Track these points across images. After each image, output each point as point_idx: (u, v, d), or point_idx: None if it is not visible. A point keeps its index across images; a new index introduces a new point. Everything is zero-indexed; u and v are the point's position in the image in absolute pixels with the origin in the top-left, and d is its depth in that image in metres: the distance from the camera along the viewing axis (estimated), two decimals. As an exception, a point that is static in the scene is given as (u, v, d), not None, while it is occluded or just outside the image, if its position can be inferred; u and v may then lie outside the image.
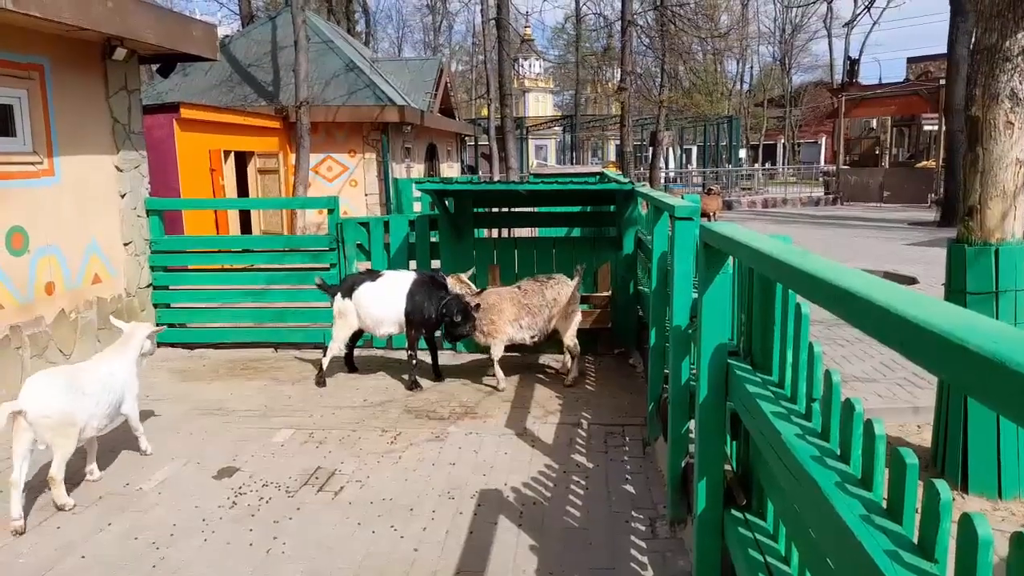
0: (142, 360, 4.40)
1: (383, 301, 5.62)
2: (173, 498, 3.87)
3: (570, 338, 5.71)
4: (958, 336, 0.80)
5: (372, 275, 5.77)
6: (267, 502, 3.80)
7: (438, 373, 5.87)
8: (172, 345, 6.96)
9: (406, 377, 5.74)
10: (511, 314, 5.61)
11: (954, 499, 3.80)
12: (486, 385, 5.71)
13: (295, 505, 3.77)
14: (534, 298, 5.63)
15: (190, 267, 7.30)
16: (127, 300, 6.63)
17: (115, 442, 4.65)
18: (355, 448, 4.51)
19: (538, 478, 4.03)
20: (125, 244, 6.63)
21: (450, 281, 5.74)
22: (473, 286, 5.84)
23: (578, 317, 5.76)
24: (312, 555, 3.29)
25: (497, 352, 5.64)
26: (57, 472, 3.70)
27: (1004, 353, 0.72)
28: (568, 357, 5.82)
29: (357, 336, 5.97)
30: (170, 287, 7.10)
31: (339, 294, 5.68)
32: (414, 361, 5.69)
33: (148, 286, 6.93)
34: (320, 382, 5.74)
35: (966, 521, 1.14)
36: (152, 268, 6.95)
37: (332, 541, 3.41)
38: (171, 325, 6.99)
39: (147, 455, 4.43)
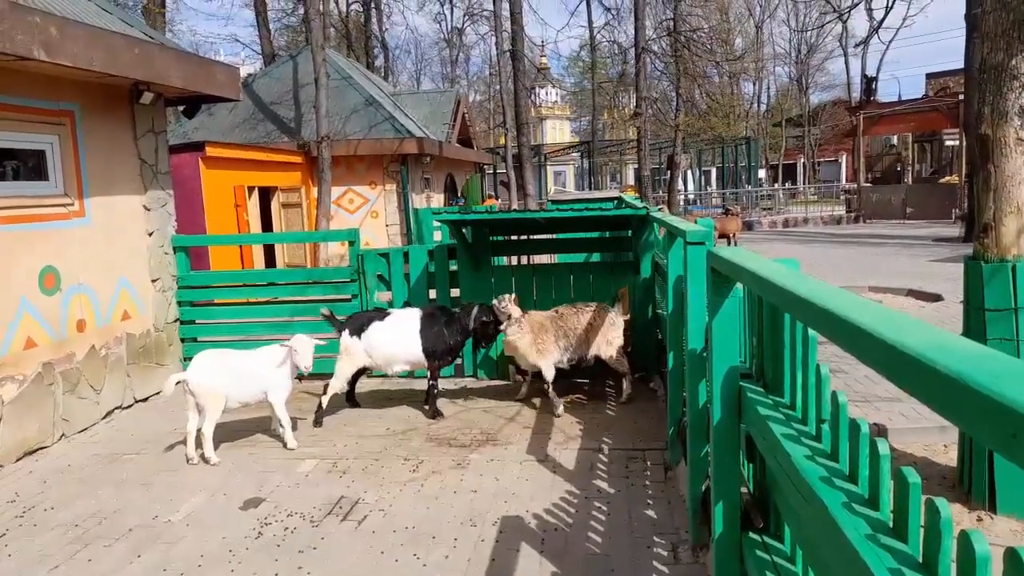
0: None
1: (395, 340, 5.61)
2: (200, 529, 3.94)
3: (616, 362, 5.79)
4: (929, 358, 0.84)
5: (380, 314, 5.77)
6: (292, 532, 3.86)
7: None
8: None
9: (426, 407, 5.80)
10: (552, 335, 5.70)
11: (981, 519, 3.75)
12: (507, 412, 5.74)
13: (319, 535, 3.82)
14: (570, 321, 5.73)
15: (216, 301, 7.46)
16: (155, 335, 6.79)
17: (146, 475, 4.76)
18: (378, 477, 4.56)
19: (559, 504, 4.04)
20: (153, 281, 6.80)
21: (510, 305, 5.65)
22: (518, 309, 5.75)
23: (619, 343, 5.80)
24: (336, 584, 3.33)
25: (550, 374, 5.66)
26: (206, 430, 4.84)
27: (968, 374, 0.76)
28: (628, 382, 5.94)
29: (360, 374, 5.96)
30: (197, 321, 7.25)
31: (347, 331, 5.62)
32: (435, 391, 5.74)
33: (175, 321, 7.09)
34: (318, 421, 5.61)
35: (964, 538, 1.16)
36: (179, 303, 7.12)
37: (356, 570, 3.45)
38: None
39: (289, 449, 5.09)
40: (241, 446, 5.23)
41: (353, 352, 5.63)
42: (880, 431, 4.82)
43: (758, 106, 45.22)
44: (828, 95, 47.61)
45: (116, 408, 6.22)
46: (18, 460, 5.15)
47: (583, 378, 6.45)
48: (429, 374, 5.78)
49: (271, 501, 4.27)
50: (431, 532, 3.78)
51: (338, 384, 5.72)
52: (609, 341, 5.74)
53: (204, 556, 3.64)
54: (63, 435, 5.59)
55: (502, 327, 5.65)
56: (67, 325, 5.75)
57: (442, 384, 6.51)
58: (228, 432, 5.54)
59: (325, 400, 5.67)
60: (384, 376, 6.51)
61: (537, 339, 5.65)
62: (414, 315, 5.74)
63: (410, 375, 6.68)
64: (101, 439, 5.60)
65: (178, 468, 4.86)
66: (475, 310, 5.72)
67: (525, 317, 5.70)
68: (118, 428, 5.86)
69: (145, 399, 6.57)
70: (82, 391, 5.83)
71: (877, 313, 1.04)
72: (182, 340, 7.14)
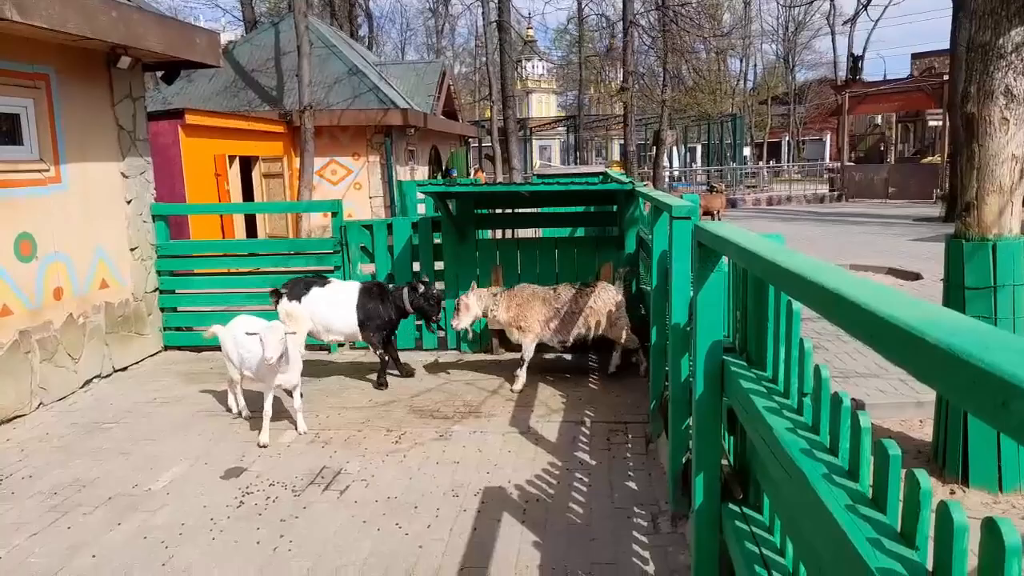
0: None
1: (334, 309, 5.66)
2: (182, 498, 3.93)
3: (627, 341, 5.75)
4: (919, 329, 0.84)
5: (321, 281, 5.78)
6: (274, 501, 3.86)
7: (401, 369, 5.99)
8: (179, 348, 7.05)
9: (411, 377, 5.82)
10: (541, 313, 5.65)
11: (954, 492, 3.83)
12: (490, 384, 5.76)
13: (301, 504, 3.82)
14: (568, 303, 5.67)
15: (196, 271, 7.37)
16: (134, 304, 6.70)
17: (125, 444, 4.73)
18: (360, 448, 4.56)
19: (541, 475, 4.07)
20: (131, 249, 6.70)
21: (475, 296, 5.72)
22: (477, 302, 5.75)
23: (625, 322, 5.76)
24: (318, 553, 3.34)
25: (528, 351, 5.67)
26: (231, 381, 5.13)
27: (959, 345, 0.76)
28: (618, 355, 5.90)
29: None
30: (176, 291, 7.18)
31: (285, 298, 5.58)
32: (386, 359, 5.80)
33: (155, 290, 7.00)
34: None
35: (943, 509, 1.18)
36: (158, 272, 7.03)
37: (338, 539, 3.46)
38: (177, 329, 7.08)
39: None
40: (222, 416, 5.20)
41: (297, 316, 5.56)
42: (858, 406, 4.89)
43: (744, 83, 45.09)
44: (814, 73, 47.62)
45: (95, 377, 6.16)
46: (-5, 428, 5.10)
47: (567, 352, 6.47)
48: (371, 347, 5.85)
49: (253, 471, 4.26)
50: (413, 502, 3.80)
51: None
52: (613, 322, 5.70)
53: (184, 525, 3.63)
54: (41, 403, 5.53)
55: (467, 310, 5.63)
56: (43, 293, 5.66)
57: (425, 356, 6.57)
58: (206, 402, 5.52)
59: None
60: (367, 347, 6.50)
61: (519, 315, 5.63)
62: (353, 287, 5.78)
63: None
64: (80, 408, 5.55)
65: (158, 437, 4.84)
66: (404, 291, 5.77)
67: (503, 295, 5.68)
68: (97, 397, 5.81)
69: (124, 368, 6.51)
70: (60, 359, 5.76)
71: (868, 287, 1.04)
72: (161, 310, 7.06)
